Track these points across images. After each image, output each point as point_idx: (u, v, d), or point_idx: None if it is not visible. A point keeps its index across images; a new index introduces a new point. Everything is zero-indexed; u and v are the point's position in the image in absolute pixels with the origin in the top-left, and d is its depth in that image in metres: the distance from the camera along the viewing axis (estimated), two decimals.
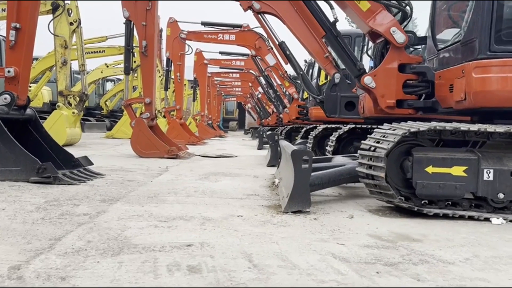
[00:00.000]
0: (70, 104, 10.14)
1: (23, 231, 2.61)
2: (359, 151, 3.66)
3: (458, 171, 3.30)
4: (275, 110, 17.30)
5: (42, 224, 2.79)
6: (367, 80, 4.51)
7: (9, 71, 4.75)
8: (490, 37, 3.56)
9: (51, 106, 14.99)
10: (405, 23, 4.50)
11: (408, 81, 4.47)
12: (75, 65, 13.40)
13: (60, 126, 9.48)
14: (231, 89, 29.97)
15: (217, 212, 3.25)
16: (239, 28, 12.87)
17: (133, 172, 5.59)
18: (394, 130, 3.47)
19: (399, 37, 4.32)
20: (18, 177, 4.42)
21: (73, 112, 9.81)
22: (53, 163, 4.57)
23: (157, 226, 2.78)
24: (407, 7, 4.39)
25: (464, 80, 3.67)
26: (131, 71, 9.62)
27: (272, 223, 2.94)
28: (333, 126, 7.09)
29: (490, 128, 3.25)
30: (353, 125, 5.94)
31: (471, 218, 3.23)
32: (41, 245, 2.32)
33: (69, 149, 8.57)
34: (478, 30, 3.62)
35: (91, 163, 5.22)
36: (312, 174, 3.64)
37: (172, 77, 14.17)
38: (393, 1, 4.38)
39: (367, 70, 5.24)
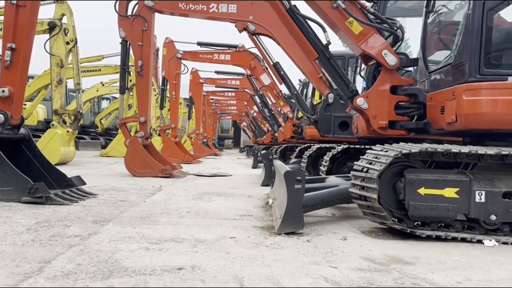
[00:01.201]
0: (65, 122, 10.14)
1: (13, 253, 2.58)
2: (352, 172, 3.68)
3: (450, 192, 3.32)
4: (270, 129, 17.38)
5: (32, 246, 2.75)
6: (360, 101, 4.56)
7: (3, 91, 4.76)
8: (479, 61, 3.62)
9: (46, 124, 14.97)
10: (396, 46, 4.58)
11: (400, 103, 4.53)
12: (70, 83, 13.44)
13: (54, 145, 9.45)
14: (227, 107, 30.12)
15: (210, 234, 3.23)
16: (235, 48, 13.02)
17: (126, 192, 5.56)
18: (386, 151, 3.49)
19: (391, 59, 4.39)
20: (9, 197, 4.39)
21: (68, 131, 9.80)
22: (46, 183, 4.54)
23: (148, 248, 2.75)
24: (399, 31, 4.48)
25: (455, 102, 3.71)
26: (126, 90, 9.66)
27: (265, 245, 2.93)
28: (327, 145, 7.12)
29: (481, 150, 3.28)
30: (347, 145, 5.97)
31: (463, 240, 3.23)
32: (31, 268, 2.29)
33: (62, 168, 8.55)
34: (468, 53, 3.68)
35: (84, 183, 5.19)
36: (306, 195, 3.64)
37: (168, 95, 14.23)
38: (385, 25, 4.46)
39: (360, 91, 5.31)
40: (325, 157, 6.12)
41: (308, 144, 9.21)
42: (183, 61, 13.80)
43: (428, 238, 3.23)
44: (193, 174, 8.83)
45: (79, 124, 10.75)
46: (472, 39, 3.65)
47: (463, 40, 3.79)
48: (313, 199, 3.83)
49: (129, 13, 8.04)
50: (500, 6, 3.71)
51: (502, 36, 3.92)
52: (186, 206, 4.54)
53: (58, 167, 5.35)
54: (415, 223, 3.38)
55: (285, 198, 3.41)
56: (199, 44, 12.73)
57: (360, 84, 6.76)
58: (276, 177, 4.83)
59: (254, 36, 8.81)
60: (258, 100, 17.12)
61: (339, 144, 7.08)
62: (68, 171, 7.85)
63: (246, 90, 18.89)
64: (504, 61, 3.75)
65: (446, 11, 4.54)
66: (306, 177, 4.82)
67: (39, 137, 10.44)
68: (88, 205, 4.42)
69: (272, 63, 9.28)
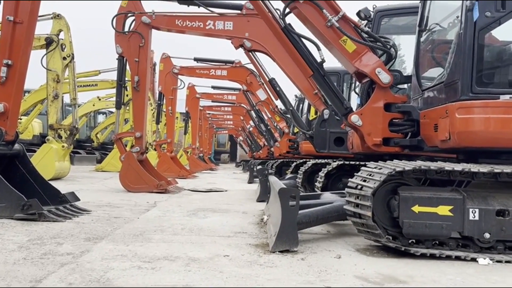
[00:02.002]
0: (61, 137, 10.12)
1: (3, 272, 2.55)
2: (346, 189, 3.68)
3: (444, 210, 3.32)
4: (266, 144, 17.40)
5: (23, 265, 2.73)
6: (354, 118, 4.59)
7: None
8: (471, 79, 3.66)
9: (41, 139, 14.92)
10: (390, 64, 4.63)
11: (394, 120, 4.56)
12: (67, 98, 13.47)
13: (49, 160, 9.42)
14: (223, 122, 30.19)
15: (203, 252, 3.20)
16: (231, 64, 13.11)
17: (120, 208, 5.53)
18: (380, 169, 3.51)
19: (384, 77, 4.43)
20: (2, 214, 4.35)
21: (63, 146, 9.78)
22: (39, 199, 4.52)
23: (141, 267, 2.73)
24: (392, 49, 4.53)
25: (448, 120, 3.74)
26: (123, 105, 9.69)
27: (259, 264, 2.91)
28: (323, 161, 7.13)
29: (474, 168, 3.30)
30: (342, 162, 5.98)
31: (458, 258, 3.22)
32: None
33: (57, 183, 8.52)
34: (460, 72, 3.73)
35: (78, 199, 5.16)
36: (300, 212, 3.63)
37: (164, 110, 14.27)
38: (378, 43, 4.51)
39: (355, 107, 5.35)
40: (320, 173, 6.12)
41: (304, 160, 9.22)
42: (179, 76, 13.88)
43: (423, 256, 3.22)
44: (188, 190, 8.80)
45: (75, 139, 10.74)
46: (464, 58, 3.70)
47: (455, 58, 3.84)
48: (308, 217, 3.82)
49: (126, 29, 8.11)
50: (491, 26, 3.76)
51: (493, 55, 3.98)
52: (180, 222, 4.51)
53: (53, 182, 5.33)
54: (410, 241, 3.37)
55: (279, 215, 3.40)
56: (196, 59, 12.82)
57: (355, 100, 6.82)
58: (271, 194, 4.83)
59: (250, 53, 8.91)
60: (254, 115, 17.19)
61: (334, 160, 7.10)
62: (63, 187, 7.82)
63: (242, 105, 18.97)
64: (496, 80, 3.80)
65: (439, 29, 4.61)
66: (301, 194, 4.82)
67: (34, 151, 10.41)
68: (81, 222, 4.38)
69: (268, 79, 9.36)
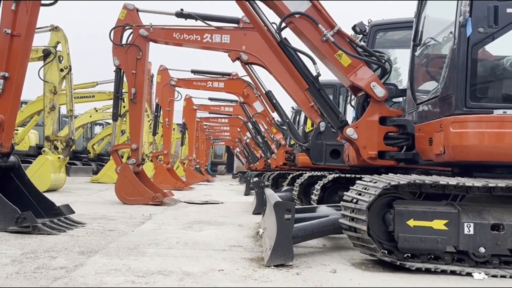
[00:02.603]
0: (57, 148, 10.10)
1: None
2: (341, 203, 3.68)
3: (439, 224, 3.32)
4: (263, 155, 17.41)
5: (16, 279, 2.70)
6: (349, 131, 4.61)
7: None
8: (465, 94, 3.69)
9: (37, 150, 14.87)
10: (384, 78, 4.67)
11: (389, 133, 4.58)
12: (64, 109, 13.46)
13: (45, 172, 9.39)
14: (220, 133, 30.21)
15: (198, 266, 3.18)
16: (228, 76, 13.18)
17: (115, 221, 5.50)
18: (375, 182, 3.51)
19: (379, 91, 4.47)
20: None
21: (59, 157, 9.75)
22: (34, 212, 4.50)
23: (135, 282, 2.71)
24: (387, 63, 4.57)
25: (443, 134, 3.77)
26: (120, 116, 9.70)
27: (253, 279, 2.89)
28: (319, 174, 7.13)
29: (469, 182, 3.31)
30: (338, 174, 5.98)
31: (453, 272, 3.21)
32: None
33: (52, 195, 8.48)
34: (454, 86, 3.76)
35: (73, 212, 5.14)
36: (296, 225, 3.62)
37: (161, 121, 14.29)
38: (373, 58, 4.56)
39: (351, 120, 5.37)
40: (316, 186, 6.12)
41: (300, 172, 9.22)
42: (177, 88, 13.94)
43: (418, 270, 3.21)
44: (184, 202, 8.76)
45: (71, 150, 10.72)
46: (458, 73, 3.73)
47: (449, 73, 3.87)
48: (303, 230, 3.81)
49: (124, 41, 8.15)
50: (484, 41, 3.81)
51: (487, 69, 4.02)
52: (175, 236, 4.49)
53: (48, 194, 5.30)
54: (405, 255, 3.36)
55: (275, 228, 3.39)
56: (193, 72, 12.89)
57: (351, 113, 6.85)
58: (267, 206, 4.82)
59: (247, 65, 8.98)
60: (251, 127, 17.23)
61: (330, 172, 7.10)
62: (58, 198, 7.78)
63: (239, 116, 19.01)
64: (490, 95, 3.84)
65: (433, 44, 4.66)
66: (297, 207, 4.81)
67: (30, 162, 10.38)
68: (75, 235, 4.36)
69: (264, 92, 9.40)
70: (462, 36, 3.73)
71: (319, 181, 6.20)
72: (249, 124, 16.99)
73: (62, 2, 5.03)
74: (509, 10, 3.69)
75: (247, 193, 12.43)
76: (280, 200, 3.70)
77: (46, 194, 5.62)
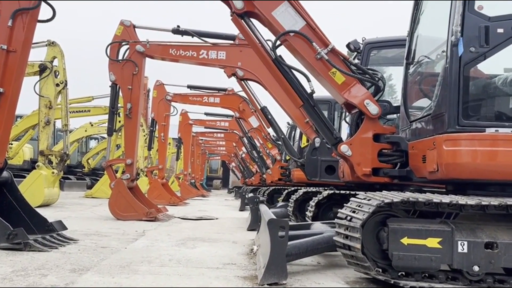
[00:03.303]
0: (51, 162, 10.05)
1: None
2: (336, 220, 3.67)
3: (432, 242, 3.31)
4: (258, 170, 17.38)
5: None
6: (344, 148, 4.63)
7: None
8: (458, 112, 3.72)
9: (31, 164, 14.79)
10: (378, 96, 4.71)
11: (383, 150, 4.60)
12: (59, 123, 13.43)
13: (38, 186, 9.32)
14: (216, 148, 30.22)
15: (190, 285, 3.15)
16: (224, 92, 13.25)
17: (108, 237, 5.45)
18: (369, 200, 3.51)
19: (373, 108, 4.50)
20: None
21: (53, 172, 9.69)
22: (26, 228, 4.46)
23: None
24: (380, 81, 4.62)
25: (436, 152, 3.79)
26: (115, 132, 9.68)
27: None
28: (314, 190, 7.13)
29: (462, 200, 3.32)
30: (332, 191, 5.98)
31: None
32: None
33: (46, 210, 8.41)
34: (447, 105, 3.79)
35: (65, 228, 5.09)
36: (290, 243, 3.61)
37: (157, 135, 14.28)
38: (367, 76, 4.61)
39: (346, 136, 5.40)
40: (310, 202, 6.11)
41: (295, 188, 9.21)
42: (172, 103, 13.98)
43: None
44: (179, 217, 8.70)
45: (65, 165, 10.66)
46: (450, 92, 3.77)
47: (442, 91, 3.91)
48: (297, 248, 3.79)
49: (120, 57, 8.19)
50: (476, 60, 3.86)
51: (479, 88, 4.06)
52: (168, 253, 4.45)
53: (42, 209, 5.26)
54: (399, 274, 3.35)
55: (269, 246, 3.37)
56: (189, 87, 12.95)
57: (345, 129, 6.88)
58: (262, 223, 4.80)
59: (242, 81, 9.04)
60: (246, 142, 17.25)
61: (325, 188, 7.10)
62: (51, 214, 7.71)
63: (235, 131, 19.05)
64: (482, 113, 3.86)
65: (426, 61, 4.72)
66: (291, 224, 4.80)
67: (24, 177, 10.32)
68: (67, 252, 4.31)
69: (259, 107, 9.44)
70: (454, 55, 3.77)
71: (314, 197, 6.19)
72: (245, 139, 17.03)
73: (58, 18, 5.05)
74: (499, 31, 3.75)
75: (242, 209, 12.37)
76: (274, 217, 3.69)
77: (39, 209, 5.59)
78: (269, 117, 9.20)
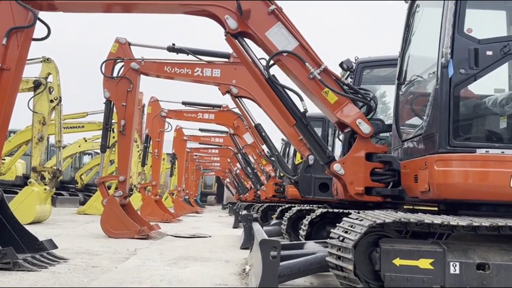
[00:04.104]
0: (44, 178, 9.98)
1: None
2: (328, 240, 3.66)
3: (425, 263, 3.30)
4: (253, 186, 17.34)
5: None
6: (336, 167, 4.64)
7: None
8: (448, 133, 3.75)
9: (24, 180, 14.66)
10: (370, 115, 4.75)
11: (375, 169, 4.62)
12: (53, 138, 13.37)
13: (30, 203, 9.23)
14: (210, 163, 30.15)
15: None
16: (219, 108, 13.30)
17: (99, 256, 5.38)
18: (361, 220, 3.51)
19: (365, 128, 4.54)
20: None
21: (45, 189, 9.61)
22: (16, 247, 4.41)
23: None
24: (372, 101, 4.67)
25: (427, 172, 3.81)
26: (108, 148, 9.65)
27: None
28: (307, 208, 7.11)
29: (453, 221, 3.32)
30: (325, 210, 5.96)
31: None
32: None
33: (37, 227, 8.31)
34: (437, 125, 3.83)
35: (56, 247, 5.03)
36: (282, 263, 3.58)
37: (151, 151, 14.25)
38: (359, 95, 4.66)
39: (339, 153, 5.41)
40: (304, 221, 6.08)
41: (289, 205, 9.18)
42: (167, 119, 13.99)
43: None
44: (171, 235, 8.62)
45: (58, 180, 10.58)
46: (441, 112, 3.80)
47: (432, 112, 3.95)
48: (290, 268, 3.76)
49: (115, 74, 8.22)
50: (466, 82, 3.91)
51: (469, 109, 4.10)
52: (159, 273, 4.40)
53: (33, 226, 5.20)
54: None
55: (260, 267, 3.35)
56: (184, 103, 13.00)
57: (339, 147, 6.90)
58: (254, 242, 4.76)
59: (236, 99, 9.09)
60: (241, 158, 17.25)
61: (319, 206, 7.08)
62: (42, 231, 7.62)
63: (229, 147, 19.06)
64: (472, 134, 3.90)
65: (417, 82, 4.78)
66: (284, 243, 4.78)
67: (17, 192, 10.23)
68: (57, 272, 4.25)
69: (254, 125, 9.48)
70: (444, 76, 3.82)
71: (307, 216, 6.16)
72: (239, 155, 17.04)
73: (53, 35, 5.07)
74: (488, 53, 3.81)
75: (235, 226, 12.29)
76: (266, 237, 3.68)
77: (30, 226, 5.54)
78: (263, 134, 9.23)
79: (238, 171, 21.64)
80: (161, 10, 5.27)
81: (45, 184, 9.82)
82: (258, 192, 14.77)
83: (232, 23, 4.76)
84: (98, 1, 4.90)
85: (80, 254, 5.43)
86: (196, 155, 25.07)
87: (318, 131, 9.70)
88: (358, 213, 3.80)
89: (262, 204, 13.25)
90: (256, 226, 5.46)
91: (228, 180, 30.84)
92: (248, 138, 13.36)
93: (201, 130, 17.97)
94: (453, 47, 3.82)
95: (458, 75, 3.80)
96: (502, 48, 3.76)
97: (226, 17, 4.75)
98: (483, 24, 4.47)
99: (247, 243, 6.86)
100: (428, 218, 3.38)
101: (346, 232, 3.48)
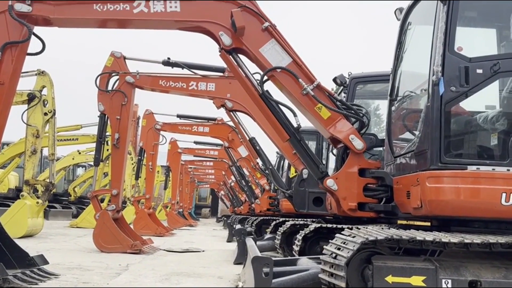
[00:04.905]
0: (37, 190, 9.90)
1: None
2: (321, 257, 3.65)
3: (417, 281, 3.29)
4: (247, 199, 17.28)
5: None
6: (329, 182, 4.65)
7: None
8: (440, 150, 3.78)
9: (17, 192, 14.54)
10: (363, 131, 4.78)
11: (368, 185, 4.64)
12: (46, 151, 13.31)
13: (22, 217, 9.15)
14: (205, 176, 30.05)
15: None
16: (213, 121, 13.32)
17: (91, 271, 5.32)
18: (353, 237, 3.51)
19: (358, 144, 4.57)
20: None
21: (37, 202, 9.53)
22: (6, 262, 4.35)
23: None
24: (364, 117, 4.71)
25: (419, 188, 3.83)
26: (102, 161, 9.62)
27: None
28: (301, 222, 7.09)
29: (445, 238, 3.33)
30: (319, 225, 5.96)
31: None
32: None
33: (28, 241, 8.22)
34: (429, 142, 3.86)
35: (47, 262, 4.96)
36: (274, 280, 3.56)
37: (145, 163, 14.19)
38: (352, 111, 4.69)
39: (334, 167, 5.42)
40: (297, 236, 6.06)
41: (284, 219, 9.14)
42: (162, 132, 13.98)
43: None
44: (164, 250, 8.55)
45: (51, 194, 10.50)
46: (432, 129, 3.84)
47: (424, 129, 3.99)
48: (282, 285, 3.74)
49: (110, 87, 8.23)
50: (457, 99, 3.95)
51: (461, 125, 4.14)
52: None
53: (25, 240, 5.14)
54: None
55: (253, 284, 3.33)
56: (179, 116, 13.01)
57: (333, 160, 6.92)
58: (247, 259, 4.74)
59: (231, 112, 9.12)
60: (235, 171, 17.21)
61: (313, 220, 7.06)
62: (34, 245, 7.54)
63: (224, 160, 19.03)
64: (464, 151, 3.94)
65: (409, 98, 4.83)
66: (277, 259, 4.75)
67: (9, 205, 10.14)
68: None
69: (248, 138, 9.50)
70: (435, 94, 3.87)
71: (301, 231, 6.15)
72: (234, 168, 17.01)
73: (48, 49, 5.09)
74: (479, 71, 3.87)
75: (229, 240, 12.22)
76: (259, 254, 3.66)
77: (22, 240, 5.48)
78: (257, 148, 9.25)
79: (232, 184, 21.58)
80: (156, 26, 5.32)
81: (38, 197, 9.74)
82: (253, 205, 14.72)
83: (226, 40, 4.80)
84: (94, 17, 4.93)
85: (72, 270, 5.37)
86: (191, 168, 25.00)
87: (313, 144, 9.74)
88: (351, 229, 3.80)
89: (256, 217, 13.20)
90: (249, 241, 5.43)
91: (222, 192, 30.72)
92: (243, 151, 13.36)
93: (195, 142, 17.96)
94: (444, 65, 3.88)
95: (449, 92, 3.84)
96: (492, 66, 3.82)
97: (221, 33, 4.80)
98: (474, 42, 4.54)
99: (240, 258, 6.81)
100: (420, 235, 3.38)
101: (338, 249, 3.47)
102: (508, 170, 3.64)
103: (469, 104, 4.10)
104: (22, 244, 4.94)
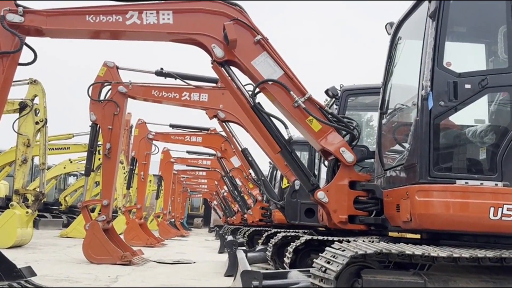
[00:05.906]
0: (27, 199, 9.81)
1: None
2: (311, 270, 3.64)
3: None
4: (240, 210, 17.23)
5: None
6: (320, 195, 4.66)
7: None
8: (429, 164, 3.81)
9: (7, 201, 14.38)
10: (354, 143, 4.81)
11: (359, 197, 4.65)
12: (37, 159, 13.22)
13: (11, 227, 9.05)
14: (197, 186, 29.93)
15: None
16: (206, 131, 13.31)
17: (79, 283, 5.26)
18: (343, 250, 3.51)
19: (348, 156, 4.59)
20: None
21: (27, 212, 9.43)
22: None
23: None
24: (355, 130, 4.74)
25: (409, 202, 3.84)
26: (93, 171, 9.55)
27: None
28: (293, 234, 7.07)
29: (434, 252, 3.34)
30: (310, 237, 5.94)
31: None
32: None
33: (17, 251, 8.12)
34: (418, 156, 3.89)
35: (34, 274, 4.89)
36: None
37: (136, 173, 14.12)
38: (342, 124, 4.73)
39: (325, 179, 5.43)
40: (288, 248, 6.04)
41: (275, 230, 9.12)
42: (154, 142, 13.94)
43: None
44: (154, 261, 8.47)
45: (41, 203, 10.41)
46: (421, 143, 3.87)
47: (413, 142, 4.02)
48: None
49: (102, 97, 8.22)
50: (446, 113, 3.99)
51: (450, 140, 4.17)
52: None
53: (13, 250, 5.07)
54: None
55: None
56: (172, 126, 12.98)
57: (325, 171, 6.93)
58: (237, 271, 4.71)
59: (224, 123, 9.13)
60: (228, 181, 17.16)
61: (305, 232, 7.04)
62: (22, 256, 7.45)
63: (217, 170, 18.99)
64: (453, 165, 3.97)
65: (400, 111, 4.87)
66: (267, 272, 4.73)
67: None
68: None
69: (240, 149, 9.50)
70: (424, 108, 3.90)
71: (292, 243, 6.12)
72: (226, 178, 16.97)
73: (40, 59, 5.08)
74: (467, 86, 3.92)
75: (221, 251, 12.15)
76: (249, 268, 3.65)
77: (11, 251, 5.41)
78: (250, 159, 9.25)
79: (225, 194, 21.51)
80: (148, 38, 5.34)
81: (28, 207, 9.65)
82: (245, 215, 14.68)
83: (218, 52, 4.82)
84: (86, 28, 4.94)
85: (60, 282, 5.30)
86: (183, 177, 24.90)
87: (306, 155, 9.76)
88: (341, 242, 3.80)
89: (249, 228, 13.15)
90: (240, 253, 5.40)
91: (215, 202, 30.59)
92: (236, 161, 13.35)
93: (188, 152, 17.92)
94: (433, 80, 3.91)
95: (438, 107, 3.88)
96: (480, 81, 3.87)
97: (213, 46, 4.82)
98: (463, 57, 4.60)
99: (231, 270, 6.77)
100: (409, 249, 3.39)
101: (328, 263, 3.47)
102: (496, 184, 3.67)
103: (458, 118, 4.14)
104: (11, 254, 4.88)
